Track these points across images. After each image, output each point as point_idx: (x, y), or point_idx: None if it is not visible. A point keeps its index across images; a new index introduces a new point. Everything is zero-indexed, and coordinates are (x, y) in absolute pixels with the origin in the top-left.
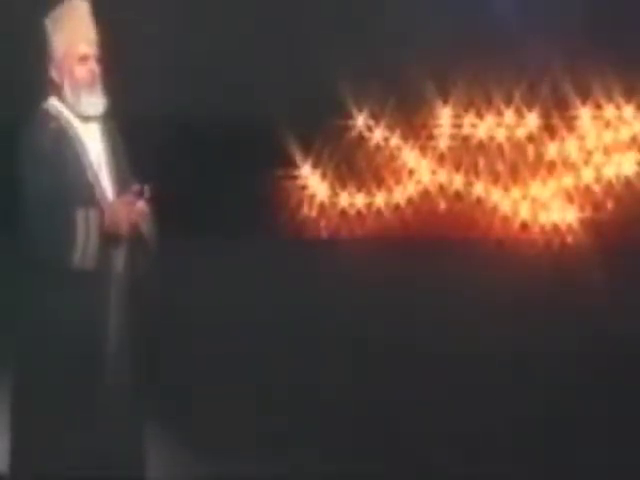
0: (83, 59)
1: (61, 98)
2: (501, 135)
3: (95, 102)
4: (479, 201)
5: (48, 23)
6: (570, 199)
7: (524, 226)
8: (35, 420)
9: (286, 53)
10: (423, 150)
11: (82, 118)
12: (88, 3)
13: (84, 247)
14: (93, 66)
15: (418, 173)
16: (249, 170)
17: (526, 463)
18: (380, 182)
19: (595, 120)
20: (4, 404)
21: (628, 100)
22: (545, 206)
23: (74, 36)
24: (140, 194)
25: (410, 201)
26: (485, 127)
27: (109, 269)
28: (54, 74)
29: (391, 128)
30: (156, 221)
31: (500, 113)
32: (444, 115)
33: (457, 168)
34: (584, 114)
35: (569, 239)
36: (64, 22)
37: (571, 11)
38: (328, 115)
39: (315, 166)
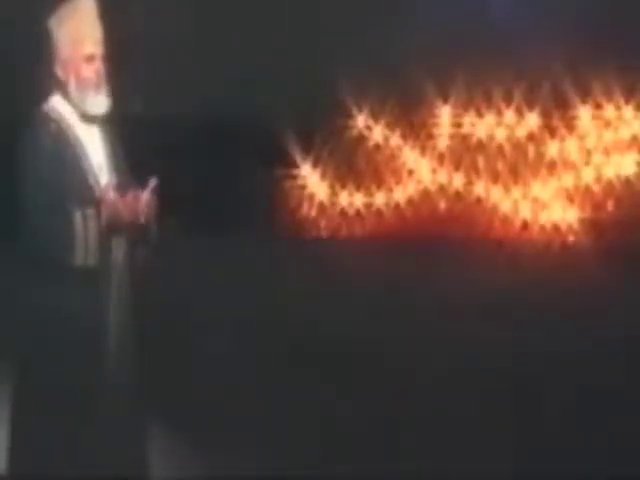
0: (89, 59)
1: (66, 96)
2: (501, 135)
3: (100, 101)
4: (479, 201)
5: (53, 21)
6: (570, 199)
7: (524, 226)
8: (35, 418)
9: (286, 53)
10: (423, 150)
11: (85, 117)
12: (94, 2)
13: (85, 243)
14: (99, 66)
15: (418, 173)
16: (249, 170)
17: (524, 463)
18: (380, 182)
19: (595, 120)
20: (4, 403)
21: (628, 100)
22: (545, 206)
23: (80, 35)
24: (144, 186)
25: (410, 201)
26: (485, 127)
27: (111, 264)
28: (59, 72)
29: (391, 127)
30: (157, 218)
31: (500, 113)
32: (444, 115)
33: (457, 168)
34: (584, 114)
35: (569, 239)
36: (70, 21)
37: (571, 11)
38: (328, 115)
39: (315, 166)
